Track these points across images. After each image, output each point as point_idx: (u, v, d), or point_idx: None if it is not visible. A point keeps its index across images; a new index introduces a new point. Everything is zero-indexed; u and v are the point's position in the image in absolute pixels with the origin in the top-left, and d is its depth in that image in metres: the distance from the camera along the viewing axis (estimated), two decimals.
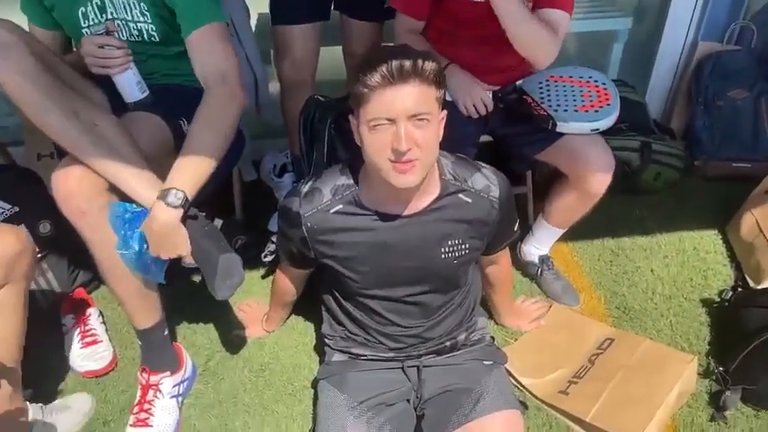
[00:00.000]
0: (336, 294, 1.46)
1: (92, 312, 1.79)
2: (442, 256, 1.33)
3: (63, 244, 1.49)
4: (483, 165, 1.36)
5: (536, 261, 1.94)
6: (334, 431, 1.35)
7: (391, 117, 1.09)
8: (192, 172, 1.31)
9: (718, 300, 1.84)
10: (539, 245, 1.94)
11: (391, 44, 1.17)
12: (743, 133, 2.42)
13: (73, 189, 1.27)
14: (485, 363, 1.49)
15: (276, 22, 1.93)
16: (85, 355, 1.69)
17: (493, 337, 1.59)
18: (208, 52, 1.42)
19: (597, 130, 1.65)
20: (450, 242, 1.32)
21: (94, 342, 1.71)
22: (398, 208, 1.26)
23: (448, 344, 1.48)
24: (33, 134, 2.05)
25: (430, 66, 1.10)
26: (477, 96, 1.68)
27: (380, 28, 1.99)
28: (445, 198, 1.28)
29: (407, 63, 1.07)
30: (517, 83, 1.77)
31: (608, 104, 1.68)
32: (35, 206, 1.67)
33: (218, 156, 1.36)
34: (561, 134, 1.66)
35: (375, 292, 1.38)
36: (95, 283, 1.89)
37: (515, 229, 1.48)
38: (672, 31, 2.51)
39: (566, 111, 1.66)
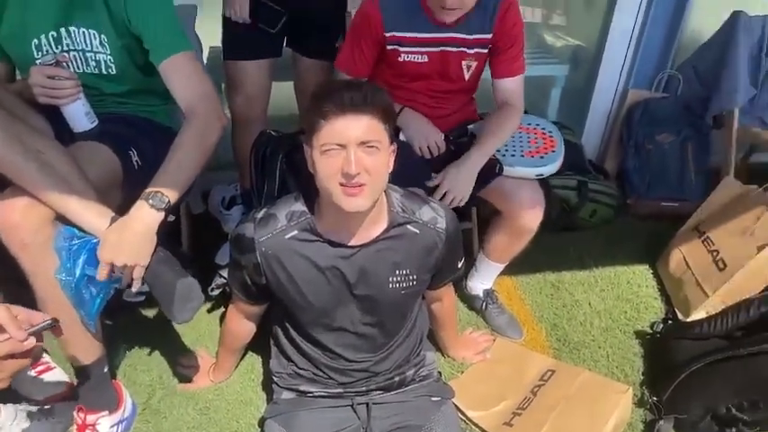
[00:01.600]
0: (287, 326, 1.46)
1: None
2: (390, 285, 1.35)
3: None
4: (431, 199, 1.41)
5: (481, 295, 2.00)
6: None
7: (342, 143, 1.14)
8: (174, 182, 1.32)
9: (651, 332, 1.93)
10: (482, 279, 2.00)
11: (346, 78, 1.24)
12: (670, 175, 2.60)
13: (17, 221, 1.24)
14: (433, 399, 1.51)
15: (228, 58, 1.96)
16: (38, 381, 1.60)
17: (440, 372, 1.61)
18: (187, 77, 1.45)
19: (542, 175, 1.74)
20: (398, 272, 1.35)
21: (48, 369, 1.64)
22: (350, 237, 1.29)
23: (396, 379, 1.50)
24: None
25: (380, 99, 1.17)
26: (432, 138, 1.74)
27: (331, 66, 2.03)
28: (394, 229, 1.31)
29: (359, 95, 1.14)
30: (469, 127, 1.84)
31: (553, 151, 1.79)
32: None
33: (197, 171, 1.39)
34: (499, 174, 1.73)
35: (324, 322, 1.39)
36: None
37: (459, 266, 1.52)
38: (605, 78, 2.69)
39: (513, 156, 1.76)
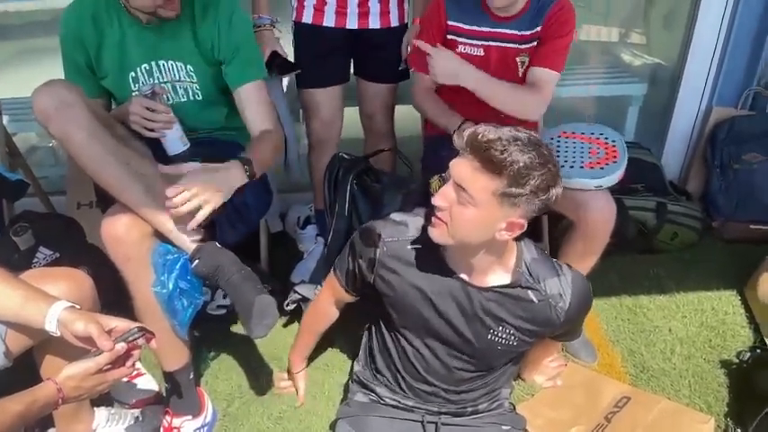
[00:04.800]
0: (380, 324, 1.50)
1: None
2: (489, 337, 1.36)
3: (100, 286, 1.58)
4: (564, 270, 1.36)
5: None
6: None
7: (449, 176, 1.17)
8: (259, 162, 1.48)
9: (737, 361, 1.83)
10: None
11: (510, 129, 1.15)
12: (760, 196, 2.44)
13: (121, 236, 1.37)
14: (503, 427, 1.50)
15: (303, 86, 2.08)
16: (131, 387, 1.74)
17: (513, 404, 1.60)
18: (263, 106, 1.61)
19: (601, 186, 1.72)
20: (501, 328, 1.35)
21: (138, 375, 1.77)
22: (466, 272, 1.30)
23: (469, 409, 1.50)
24: (75, 184, 2.19)
25: (499, 156, 1.09)
26: None
27: (394, 89, 2.12)
28: (515, 289, 1.31)
29: (483, 140, 1.11)
30: None
31: (614, 161, 1.75)
32: (75, 252, 1.76)
33: (266, 170, 1.57)
34: None
35: (413, 338, 1.42)
36: None
37: (578, 335, 1.54)
38: (686, 96, 2.59)
39: (572, 167, 1.74)
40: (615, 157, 1.77)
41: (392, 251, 1.34)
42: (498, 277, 1.30)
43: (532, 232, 2.22)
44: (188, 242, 1.40)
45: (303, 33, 2.01)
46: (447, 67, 1.73)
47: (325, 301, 1.62)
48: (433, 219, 1.19)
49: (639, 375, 1.85)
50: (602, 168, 1.74)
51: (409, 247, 1.33)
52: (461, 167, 1.15)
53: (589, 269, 1.83)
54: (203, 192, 1.33)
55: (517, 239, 1.30)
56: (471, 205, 1.14)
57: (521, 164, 1.10)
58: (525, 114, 1.78)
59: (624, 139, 1.89)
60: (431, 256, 1.32)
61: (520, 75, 1.85)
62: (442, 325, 1.36)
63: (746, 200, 2.45)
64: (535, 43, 1.81)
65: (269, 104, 1.63)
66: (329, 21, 1.96)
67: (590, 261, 1.80)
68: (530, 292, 1.31)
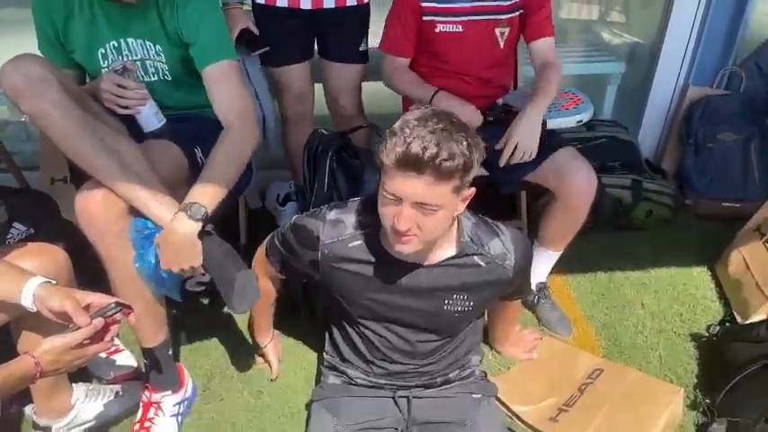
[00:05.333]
0: (338, 317, 1.52)
1: None
2: (445, 307, 1.38)
3: (76, 262, 1.58)
4: (502, 229, 1.38)
5: (533, 289, 1.99)
6: None
7: (398, 197, 1.13)
8: (211, 193, 1.40)
9: (707, 334, 1.89)
10: (536, 272, 1.98)
11: (430, 112, 1.12)
12: (732, 174, 2.51)
13: (96, 211, 1.35)
14: (474, 396, 1.53)
15: (269, 64, 2.07)
16: (110, 362, 1.74)
17: (484, 372, 1.63)
18: (226, 89, 1.53)
19: (581, 121, 1.90)
20: (455, 296, 1.37)
21: (116, 351, 1.78)
22: (413, 256, 1.29)
23: (439, 380, 1.53)
24: (48, 159, 2.15)
25: (451, 164, 1.08)
26: (467, 112, 1.78)
27: (359, 70, 2.11)
28: (460, 258, 1.32)
29: (427, 155, 1.06)
30: (498, 101, 1.94)
31: (582, 103, 1.97)
32: (50, 228, 1.74)
33: (232, 183, 1.47)
34: (547, 155, 1.76)
35: (372, 326, 1.43)
36: None
37: (527, 289, 1.56)
38: (663, 75, 2.63)
39: (550, 111, 1.83)
40: (581, 99, 1.97)
41: (333, 251, 1.33)
42: (444, 251, 1.31)
43: (510, 210, 2.29)
44: (165, 216, 1.39)
45: (260, 13, 1.98)
46: (524, 132, 1.72)
47: (262, 280, 1.58)
48: (400, 239, 1.17)
49: (612, 348, 1.89)
50: (575, 108, 1.91)
51: (351, 245, 1.32)
52: (415, 188, 1.10)
53: (567, 244, 1.86)
54: (179, 263, 1.36)
55: None
56: (437, 211, 1.14)
57: (467, 153, 1.11)
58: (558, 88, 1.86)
59: (600, 118, 2.01)
60: (374, 247, 1.32)
61: (501, 46, 1.87)
62: (397, 309, 1.38)
63: (719, 178, 2.51)
64: (517, 14, 1.84)
65: (235, 86, 1.54)
66: (282, 1, 1.94)
67: (569, 235, 1.84)
68: (476, 257, 1.33)
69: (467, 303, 1.38)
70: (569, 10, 3.04)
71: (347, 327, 1.50)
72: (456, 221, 1.30)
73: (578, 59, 2.81)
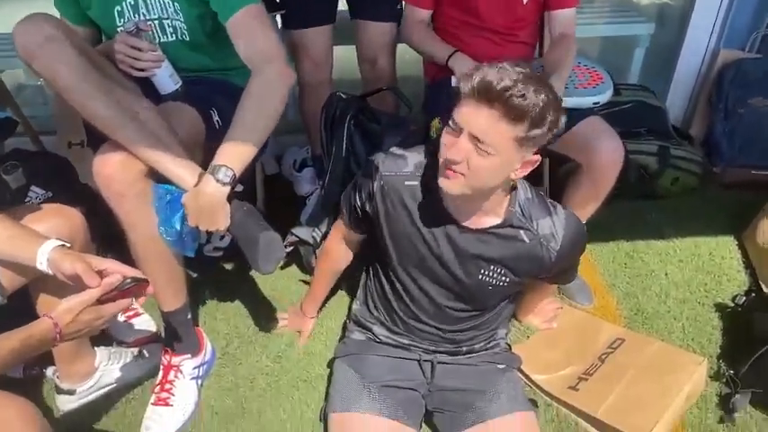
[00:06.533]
0: (377, 265, 1.50)
1: None
2: (480, 277, 1.35)
3: (94, 227, 1.58)
4: (558, 210, 1.34)
5: None
6: (346, 406, 1.40)
7: (461, 127, 1.11)
8: (240, 150, 1.35)
9: (732, 305, 1.85)
10: None
11: (520, 65, 1.09)
12: (763, 141, 2.41)
13: (114, 174, 1.33)
14: (498, 366, 1.52)
15: (289, 27, 1.99)
16: (129, 326, 1.76)
17: (509, 344, 1.62)
18: (250, 33, 1.44)
19: (598, 103, 1.75)
20: (492, 267, 1.34)
21: (136, 315, 1.79)
22: (461, 215, 1.28)
23: (464, 348, 1.52)
24: (65, 123, 2.13)
25: (521, 102, 1.05)
26: None
27: (395, 28, 2.02)
28: (505, 228, 1.29)
29: (500, 86, 1.05)
30: None
31: (602, 82, 1.81)
32: (68, 192, 1.73)
33: (265, 135, 1.40)
34: (570, 126, 1.67)
35: (407, 275, 1.41)
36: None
37: (571, 278, 1.52)
38: (693, 37, 2.52)
39: (567, 88, 1.73)
40: (601, 78, 1.83)
41: (389, 185, 1.32)
42: (491, 219, 1.29)
43: (533, 177, 2.24)
44: (186, 178, 1.36)
45: None
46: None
47: (334, 241, 1.60)
48: (447, 172, 1.15)
49: (634, 318, 1.86)
50: (594, 87, 1.79)
51: (406, 183, 1.31)
52: (477, 118, 1.08)
53: (592, 214, 1.82)
54: (206, 224, 1.34)
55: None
56: (491, 155, 1.11)
57: (540, 105, 1.07)
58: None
59: (628, 82, 1.89)
60: (427, 196, 1.30)
61: (525, 2, 1.80)
62: (434, 263, 1.36)
63: (750, 145, 2.42)
64: None
65: (258, 28, 1.44)
66: None
67: (593, 205, 1.79)
68: (521, 231, 1.30)
69: (503, 278, 1.36)
70: None
71: (382, 276, 1.49)
72: (511, 190, 1.27)
73: (605, 20, 2.70)
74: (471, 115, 1.09)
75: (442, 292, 1.41)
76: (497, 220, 1.29)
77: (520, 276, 1.38)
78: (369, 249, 1.55)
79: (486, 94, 1.06)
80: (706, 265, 2.04)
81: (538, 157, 1.17)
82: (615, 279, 2.01)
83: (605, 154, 1.67)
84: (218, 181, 1.31)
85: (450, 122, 1.13)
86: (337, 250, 1.61)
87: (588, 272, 2.02)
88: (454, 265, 1.35)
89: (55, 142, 2.17)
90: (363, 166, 1.38)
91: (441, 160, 1.17)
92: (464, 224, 1.29)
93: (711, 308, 1.88)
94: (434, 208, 1.30)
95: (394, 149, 1.34)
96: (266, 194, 2.17)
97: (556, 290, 1.90)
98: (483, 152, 1.11)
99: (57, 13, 1.56)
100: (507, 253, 1.32)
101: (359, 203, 1.40)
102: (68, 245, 1.19)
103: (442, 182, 1.18)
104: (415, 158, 1.32)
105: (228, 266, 2.02)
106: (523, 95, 1.06)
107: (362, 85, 2.16)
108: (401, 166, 1.32)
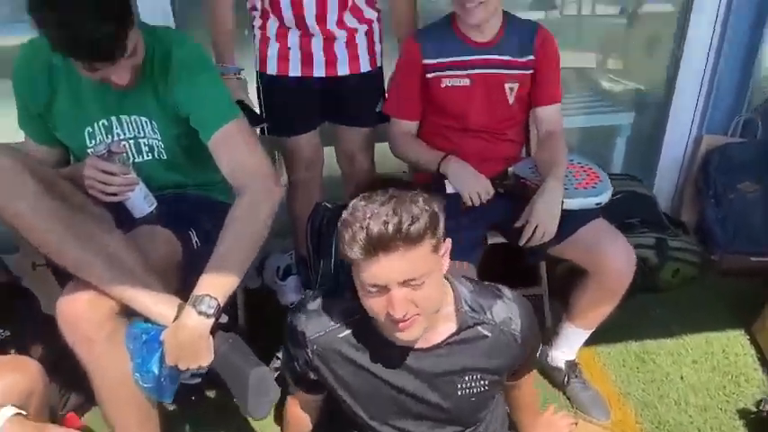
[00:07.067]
0: (346, 427, 1.34)
1: None
2: (459, 393, 1.22)
3: (56, 366, 1.41)
4: (503, 291, 1.26)
5: (563, 367, 1.83)
6: None
7: (382, 285, 1.01)
8: (224, 278, 1.23)
9: (755, 410, 1.73)
10: (565, 349, 1.83)
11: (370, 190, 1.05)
12: (757, 227, 2.38)
13: (81, 315, 1.20)
14: None
15: (279, 135, 1.95)
16: None
17: None
18: (234, 150, 1.35)
19: (600, 203, 1.68)
20: (467, 377, 1.21)
21: None
22: (410, 342, 1.15)
23: None
24: (29, 243, 1.98)
25: (417, 227, 0.99)
26: (479, 186, 1.68)
27: (373, 132, 2.00)
28: (463, 332, 1.18)
29: (389, 230, 0.97)
30: (509, 169, 1.81)
31: (600, 181, 1.75)
32: (28, 328, 1.57)
33: (250, 260, 1.29)
34: (573, 230, 1.64)
35: (388, 427, 1.25)
36: (87, 406, 1.76)
37: (537, 358, 1.38)
38: (675, 124, 2.53)
39: (567, 189, 1.67)
40: (598, 177, 1.77)
41: (323, 346, 1.18)
42: (444, 328, 1.17)
43: (530, 277, 2.14)
44: (165, 314, 1.23)
45: (268, 84, 1.88)
46: (545, 211, 1.59)
47: (294, 408, 1.42)
48: (400, 325, 1.04)
49: (656, 431, 1.72)
50: (593, 188, 1.72)
51: (339, 336, 1.18)
52: (393, 267, 0.99)
53: (599, 323, 1.72)
54: (187, 361, 1.20)
55: (447, 278, 1.18)
56: (425, 280, 1.02)
57: (427, 209, 1.01)
58: None
59: (612, 172, 1.83)
60: (366, 336, 1.17)
61: (511, 102, 1.77)
62: (408, 401, 1.21)
63: (744, 231, 2.38)
64: (527, 71, 1.75)
65: (242, 144, 1.36)
66: (294, 70, 1.83)
67: (605, 309, 1.71)
68: (479, 327, 1.19)
69: (482, 383, 1.22)
70: (573, 58, 2.96)
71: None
72: (450, 291, 1.17)
73: (584, 111, 2.71)
74: (385, 269, 0.99)
75: (430, 425, 1.26)
76: (452, 328, 1.17)
77: (498, 374, 1.25)
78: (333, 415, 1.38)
79: (385, 245, 0.98)
80: (721, 365, 1.93)
81: (449, 240, 1.09)
82: (629, 386, 1.87)
83: (614, 262, 1.60)
84: (200, 313, 1.18)
85: (366, 287, 1.02)
86: (299, 417, 1.43)
87: (600, 379, 1.89)
88: (428, 394, 1.20)
89: (17, 261, 2.00)
90: (288, 334, 1.23)
91: (383, 321, 1.06)
92: (417, 347, 1.16)
93: (734, 414, 1.76)
94: (379, 346, 1.16)
95: (310, 307, 1.20)
96: (249, 310, 2.02)
97: (568, 403, 1.76)
98: (418, 284, 1.02)
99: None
100: (475, 355, 1.19)
101: (300, 372, 1.25)
102: (24, 413, 1.03)
103: (402, 336, 1.07)
104: (335, 308, 1.19)
105: (210, 394, 1.83)
106: (412, 218, 0.99)
107: (342, 181, 2.13)
108: (326, 323, 1.18)
